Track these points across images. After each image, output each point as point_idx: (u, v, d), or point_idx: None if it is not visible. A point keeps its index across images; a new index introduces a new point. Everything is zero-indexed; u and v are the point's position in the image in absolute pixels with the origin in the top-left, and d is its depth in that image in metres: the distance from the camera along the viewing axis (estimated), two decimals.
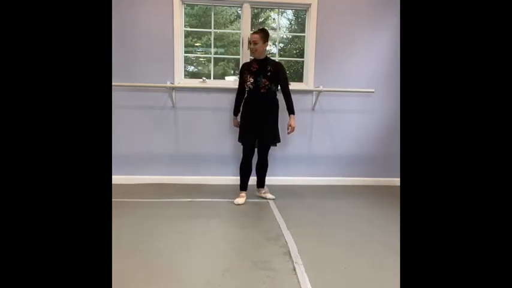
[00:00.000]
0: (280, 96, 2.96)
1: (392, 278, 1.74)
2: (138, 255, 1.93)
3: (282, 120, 3.08)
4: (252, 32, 2.98)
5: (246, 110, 2.96)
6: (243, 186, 3.03)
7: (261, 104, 2.91)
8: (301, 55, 3.76)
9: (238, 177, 3.01)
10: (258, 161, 3.10)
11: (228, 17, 4.12)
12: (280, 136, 3.04)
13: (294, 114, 2.95)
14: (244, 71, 2.94)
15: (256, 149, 3.04)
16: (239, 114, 3.04)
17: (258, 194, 3.17)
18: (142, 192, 3.19)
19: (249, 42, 2.90)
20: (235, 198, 2.97)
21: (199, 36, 3.92)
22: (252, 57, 3.03)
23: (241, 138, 2.99)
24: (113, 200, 2.80)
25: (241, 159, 3.00)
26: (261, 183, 3.16)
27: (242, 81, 2.96)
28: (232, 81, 3.62)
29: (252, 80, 2.88)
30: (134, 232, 2.28)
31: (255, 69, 2.90)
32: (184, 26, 3.55)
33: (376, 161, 3.73)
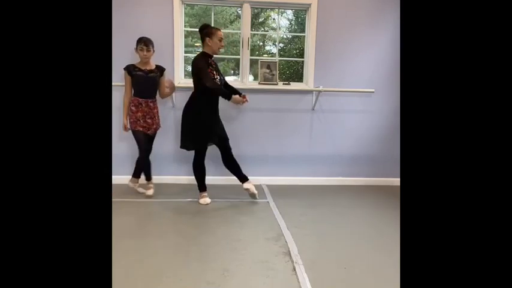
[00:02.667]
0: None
1: (393, 278, 1.74)
2: (138, 255, 1.93)
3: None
4: (219, 29, 2.84)
5: (212, 110, 2.84)
6: (205, 186, 2.99)
7: (218, 102, 2.90)
8: (301, 55, 3.76)
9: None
10: (231, 158, 2.97)
11: (228, 17, 4.12)
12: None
13: None
14: (209, 68, 2.75)
15: (219, 147, 2.96)
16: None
17: (247, 189, 3.00)
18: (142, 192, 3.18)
19: (221, 40, 2.80)
20: (200, 199, 2.95)
21: (199, 36, 3.91)
22: (212, 54, 2.85)
23: (204, 140, 2.82)
24: (113, 200, 2.80)
25: (197, 161, 2.89)
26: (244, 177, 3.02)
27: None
28: (232, 81, 3.62)
29: (218, 77, 2.80)
30: (134, 232, 2.28)
31: (215, 66, 2.82)
32: (184, 26, 3.55)
33: (376, 161, 3.73)
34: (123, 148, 3.48)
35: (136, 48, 2.94)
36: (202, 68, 2.72)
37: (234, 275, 1.74)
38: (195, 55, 2.89)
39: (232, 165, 2.99)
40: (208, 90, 2.71)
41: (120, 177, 3.45)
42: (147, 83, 2.99)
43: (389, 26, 3.54)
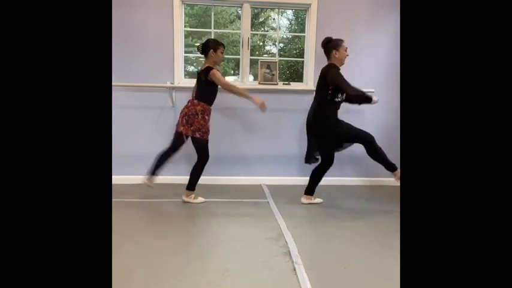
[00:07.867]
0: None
1: (392, 278, 1.74)
2: (138, 255, 1.93)
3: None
4: (342, 40, 2.92)
5: (336, 114, 2.93)
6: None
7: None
8: (301, 55, 3.76)
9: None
10: (372, 152, 2.99)
11: (228, 17, 4.13)
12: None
13: None
14: None
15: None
16: None
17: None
18: (142, 192, 3.19)
19: (346, 49, 2.89)
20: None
21: (199, 36, 3.92)
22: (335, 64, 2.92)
23: (334, 145, 2.94)
24: (113, 200, 2.80)
25: (326, 168, 2.93)
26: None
27: None
28: (232, 81, 3.62)
29: None
30: (134, 232, 2.28)
31: None
32: (184, 26, 3.55)
33: None
34: (120, 148, 3.47)
35: (216, 50, 2.77)
36: (340, 77, 2.79)
37: (234, 275, 1.74)
38: (323, 67, 2.91)
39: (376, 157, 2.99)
40: (338, 102, 2.86)
41: (120, 177, 3.46)
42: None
43: (390, 26, 3.54)
